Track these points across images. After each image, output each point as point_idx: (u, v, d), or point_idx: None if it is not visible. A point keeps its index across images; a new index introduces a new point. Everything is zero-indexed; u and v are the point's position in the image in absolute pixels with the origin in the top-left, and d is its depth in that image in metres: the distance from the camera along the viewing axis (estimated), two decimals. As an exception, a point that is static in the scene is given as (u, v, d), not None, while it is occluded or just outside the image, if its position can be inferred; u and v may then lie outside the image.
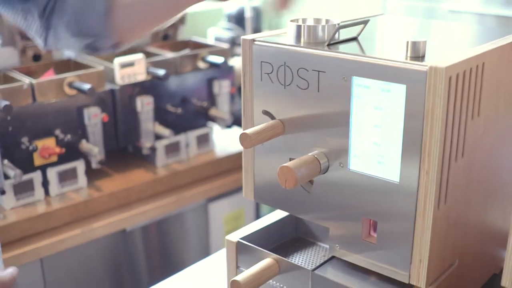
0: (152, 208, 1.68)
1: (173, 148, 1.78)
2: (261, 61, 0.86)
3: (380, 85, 0.74)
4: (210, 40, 2.24)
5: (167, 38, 1.96)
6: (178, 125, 1.78)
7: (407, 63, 0.72)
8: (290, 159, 0.86)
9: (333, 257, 0.89)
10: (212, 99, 1.84)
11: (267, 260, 0.89)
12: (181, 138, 1.79)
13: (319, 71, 0.80)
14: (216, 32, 2.64)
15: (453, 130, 0.74)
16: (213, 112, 1.82)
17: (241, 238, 0.94)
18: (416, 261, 0.77)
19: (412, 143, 0.73)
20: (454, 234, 0.82)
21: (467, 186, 0.82)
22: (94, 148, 1.54)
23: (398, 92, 0.73)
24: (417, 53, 0.74)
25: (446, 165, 0.75)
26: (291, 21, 0.85)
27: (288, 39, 0.85)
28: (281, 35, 0.89)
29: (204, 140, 1.86)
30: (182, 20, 1.95)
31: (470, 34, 0.96)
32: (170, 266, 1.81)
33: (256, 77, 0.87)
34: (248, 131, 0.83)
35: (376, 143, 0.77)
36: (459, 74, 0.72)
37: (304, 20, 0.87)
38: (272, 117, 0.87)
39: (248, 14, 2.16)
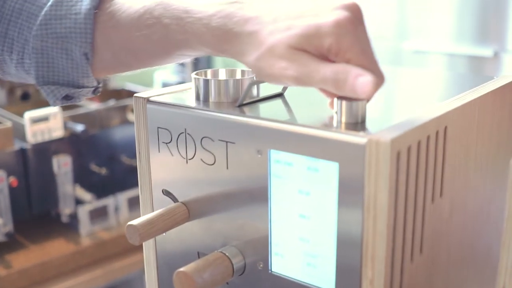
0: (74, 284, 1.45)
1: (99, 213, 1.56)
2: (158, 127, 0.66)
3: (306, 162, 0.55)
4: (150, 88, 2.04)
5: (96, 87, 1.75)
6: (105, 187, 1.56)
7: (339, 134, 0.52)
8: (199, 254, 0.66)
9: None
10: (145, 155, 1.63)
11: None
12: (109, 201, 1.57)
13: (227, 142, 0.60)
14: (163, 76, 2.45)
15: (405, 221, 0.54)
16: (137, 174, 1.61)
17: None
18: None
19: (350, 242, 0.53)
20: None
21: (430, 287, 0.62)
22: (-3, 219, 1.32)
23: (328, 171, 0.53)
24: (355, 118, 0.55)
25: (398, 269, 0.55)
26: (197, 73, 0.66)
27: (193, 98, 0.65)
28: (188, 91, 0.69)
29: (137, 202, 1.64)
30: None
31: (430, 85, 0.77)
32: None
33: (153, 147, 0.67)
34: (137, 222, 0.62)
35: (303, 238, 0.57)
36: (411, 147, 0.53)
37: (214, 73, 0.68)
38: (175, 199, 0.67)
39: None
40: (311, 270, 0.57)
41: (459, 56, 1.88)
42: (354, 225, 0.53)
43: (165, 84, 2.43)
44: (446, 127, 0.59)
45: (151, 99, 0.66)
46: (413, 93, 0.73)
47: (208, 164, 0.62)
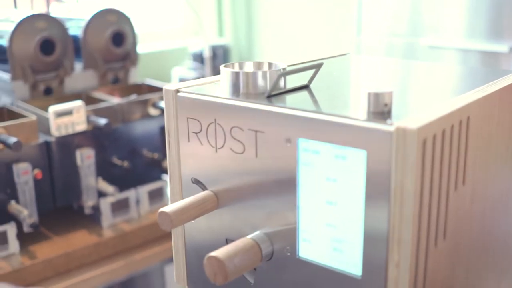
0: (96, 275, 1.47)
1: (121, 206, 1.58)
2: (188, 118, 0.68)
3: (333, 150, 0.56)
4: (168, 83, 2.06)
5: (116, 82, 1.78)
6: (127, 180, 1.58)
7: (367, 122, 0.54)
8: (227, 240, 0.68)
9: None
10: (165, 149, 1.64)
11: None
12: (130, 194, 1.59)
13: (256, 131, 0.62)
14: (180, 73, 2.47)
15: (430, 207, 0.56)
16: (167, 163, 1.63)
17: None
18: None
19: (377, 227, 0.55)
20: (436, 337, 0.63)
21: (452, 272, 0.64)
22: (23, 210, 1.34)
23: (356, 159, 0.55)
24: (381, 108, 0.56)
25: (423, 254, 0.57)
26: (225, 66, 0.68)
27: (222, 90, 0.67)
28: (216, 83, 0.71)
29: (157, 195, 1.66)
30: (133, 62, 1.77)
31: (452, 78, 0.79)
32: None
33: (182, 137, 0.69)
34: (169, 208, 0.64)
35: (330, 224, 0.59)
36: (436, 136, 0.54)
37: (241, 65, 0.70)
38: (204, 187, 0.69)
39: (207, 53, 1.99)
40: (338, 255, 0.59)
41: (474, 51, 1.89)
42: (381, 210, 0.55)
43: (181, 79, 2.45)
44: (468, 117, 0.60)
45: (181, 90, 0.68)
46: (435, 85, 0.75)
47: (237, 153, 0.64)
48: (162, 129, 1.63)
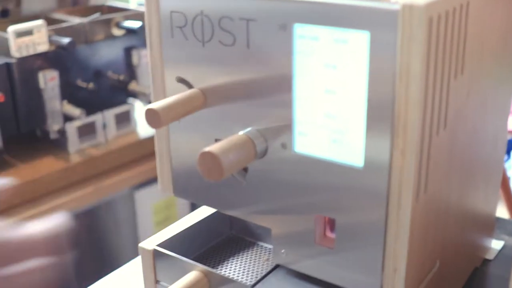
0: (65, 201, 1.44)
1: (87, 130, 1.54)
2: (171, 11, 0.64)
3: (333, 34, 0.53)
4: (130, 5, 2.00)
5: (76, 4, 1.71)
6: (92, 103, 1.54)
7: (370, 1, 0.51)
8: (216, 140, 0.65)
9: (278, 265, 0.69)
10: (131, 72, 1.60)
11: (193, 274, 0.68)
12: (97, 118, 1.55)
13: (247, 20, 0.58)
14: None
15: (434, 93, 0.54)
16: (133, 86, 1.59)
17: (158, 245, 0.73)
18: (390, 270, 0.57)
19: (381, 113, 0.53)
20: (435, 230, 0.63)
21: (449, 167, 0.63)
22: (-14, 135, 1.30)
23: (358, 42, 0.52)
24: (382, -11, 0.53)
25: (427, 141, 0.55)
26: (209, -45, 0.63)
27: (206, -20, 0.63)
28: (197, -22, 0.67)
29: (124, 119, 1.62)
30: (93, -18, 1.70)
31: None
32: (98, 265, 1.59)
33: (165, 33, 0.65)
34: (156, 105, 0.61)
35: (329, 114, 0.56)
36: (440, 16, 0.52)
37: (227, -47, 0.65)
38: (190, 86, 0.66)
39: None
40: (338, 146, 0.57)
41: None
42: (385, 96, 0.52)
43: (141, 5, 2.38)
44: (468, 3, 0.58)
45: (163, -18, 0.64)
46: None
47: (227, 45, 0.60)
48: (127, 50, 1.59)
